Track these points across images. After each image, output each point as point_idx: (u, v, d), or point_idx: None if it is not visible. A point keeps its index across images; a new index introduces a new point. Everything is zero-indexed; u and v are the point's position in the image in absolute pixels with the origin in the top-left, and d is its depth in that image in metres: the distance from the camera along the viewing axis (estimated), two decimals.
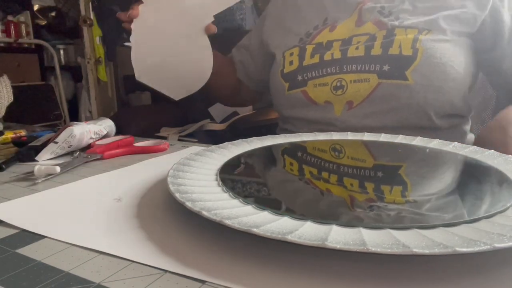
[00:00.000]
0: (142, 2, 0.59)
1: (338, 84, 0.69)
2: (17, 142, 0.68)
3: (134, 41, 0.62)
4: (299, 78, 0.73)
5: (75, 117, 2.80)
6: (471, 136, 0.77)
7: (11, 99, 0.81)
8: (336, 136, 0.61)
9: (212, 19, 0.64)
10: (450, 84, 0.66)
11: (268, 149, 0.55)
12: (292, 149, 0.56)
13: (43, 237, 0.31)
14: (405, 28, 0.67)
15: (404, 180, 0.43)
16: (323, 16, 0.77)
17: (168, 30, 0.62)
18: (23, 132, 0.76)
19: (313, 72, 0.72)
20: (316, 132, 0.63)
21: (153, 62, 0.64)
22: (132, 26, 0.60)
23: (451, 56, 0.65)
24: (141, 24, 0.59)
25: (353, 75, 0.68)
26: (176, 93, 0.70)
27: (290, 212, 0.30)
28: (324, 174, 0.46)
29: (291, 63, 0.75)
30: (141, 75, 0.66)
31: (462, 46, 0.68)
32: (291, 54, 0.76)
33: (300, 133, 0.62)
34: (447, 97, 0.66)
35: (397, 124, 0.67)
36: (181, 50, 0.62)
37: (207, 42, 0.65)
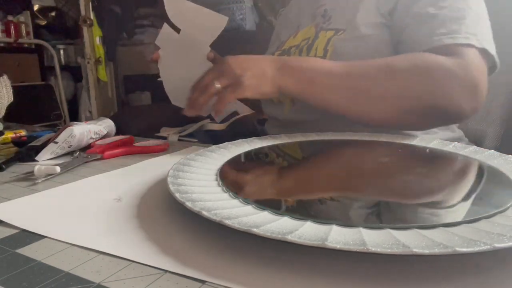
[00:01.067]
0: (159, 48, 0.75)
1: None
2: (17, 142, 0.68)
3: (162, 77, 0.79)
4: None
5: (75, 117, 2.80)
6: (459, 132, 0.76)
7: (11, 99, 0.81)
8: (336, 136, 0.61)
9: (209, 49, 0.77)
10: None
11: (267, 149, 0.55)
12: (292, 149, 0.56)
13: (43, 237, 0.31)
14: (327, 30, 0.70)
15: (402, 180, 0.43)
16: (297, 24, 0.82)
17: (184, 63, 0.77)
18: (23, 132, 0.76)
19: None
20: (317, 132, 0.63)
21: (180, 88, 0.75)
22: (159, 66, 0.77)
23: (363, 53, 0.64)
24: (164, 64, 0.76)
25: None
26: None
27: (291, 211, 0.30)
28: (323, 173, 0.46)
29: None
30: (175, 100, 0.81)
31: (379, 40, 0.66)
32: None
33: (300, 133, 0.62)
34: None
35: (331, 117, 0.66)
36: (196, 74, 0.71)
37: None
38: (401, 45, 0.64)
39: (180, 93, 0.74)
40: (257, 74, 0.58)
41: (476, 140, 0.80)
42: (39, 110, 2.56)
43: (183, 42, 0.75)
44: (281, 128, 0.76)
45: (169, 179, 0.37)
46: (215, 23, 0.73)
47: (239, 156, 0.50)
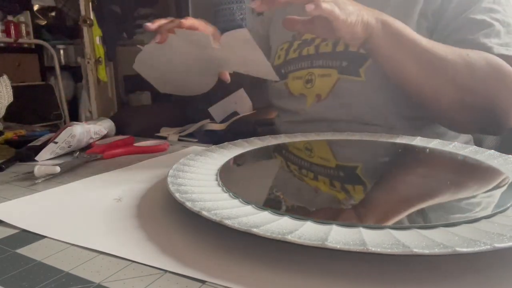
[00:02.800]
0: (174, 33, 0.60)
1: (309, 78, 0.74)
2: (10, 142, 0.67)
3: (152, 56, 0.64)
4: (283, 71, 0.79)
5: (75, 117, 2.79)
6: (464, 136, 0.76)
7: (11, 99, 0.81)
8: (336, 136, 0.61)
9: (231, 71, 0.69)
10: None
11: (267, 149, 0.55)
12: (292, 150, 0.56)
13: (43, 237, 0.31)
14: None
15: (402, 180, 0.43)
16: None
17: (192, 62, 0.65)
18: (23, 132, 0.76)
19: (292, 66, 0.77)
20: (317, 132, 0.63)
21: (168, 78, 0.70)
22: (156, 42, 0.60)
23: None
24: (167, 47, 0.60)
25: (320, 69, 0.72)
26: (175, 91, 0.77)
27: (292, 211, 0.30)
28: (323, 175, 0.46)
29: (279, 57, 0.81)
30: (163, 88, 0.72)
31: None
32: (281, 49, 0.81)
33: (300, 133, 0.63)
34: (403, 98, 0.65)
35: (351, 119, 0.69)
36: (190, 77, 0.67)
37: (214, 80, 0.71)
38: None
39: (168, 82, 0.70)
40: (357, 13, 0.55)
41: (476, 140, 0.80)
42: (39, 110, 2.56)
43: (204, 47, 0.61)
44: (297, 125, 0.74)
45: (169, 179, 0.37)
46: (262, 72, 0.62)
47: (239, 156, 0.50)
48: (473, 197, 0.36)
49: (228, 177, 0.40)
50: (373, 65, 0.66)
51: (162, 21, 0.61)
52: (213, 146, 0.52)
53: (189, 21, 0.62)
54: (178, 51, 0.62)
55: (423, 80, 0.58)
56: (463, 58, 0.57)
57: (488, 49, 0.59)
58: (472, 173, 0.45)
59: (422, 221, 0.31)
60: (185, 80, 0.71)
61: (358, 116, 0.69)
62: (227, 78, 0.70)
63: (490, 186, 0.39)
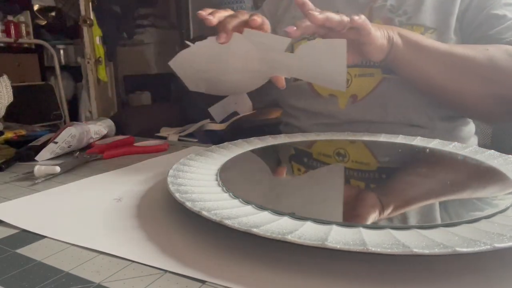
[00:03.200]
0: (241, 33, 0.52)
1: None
2: (10, 142, 0.67)
3: (199, 53, 0.56)
4: None
5: (75, 117, 2.79)
6: (475, 139, 0.77)
7: (11, 99, 0.81)
8: (336, 136, 0.61)
9: (288, 76, 0.62)
10: None
11: (268, 149, 0.55)
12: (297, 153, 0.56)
13: (43, 237, 0.31)
14: (412, 25, 0.67)
15: (402, 180, 0.43)
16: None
17: (246, 64, 0.58)
18: (23, 132, 0.75)
19: None
20: (316, 132, 0.63)
21: (204, 77, 0.63)
22: (211, 41, 0.52)
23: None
24: (221, 46, 0.52)
25: (357, 69, 0.69)
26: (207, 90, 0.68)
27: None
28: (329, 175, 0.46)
29: None
30: (194, 86, 0.64)
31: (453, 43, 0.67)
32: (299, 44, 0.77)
33: (300, 133, 0.63)
34: None
35: (397, 120, 0.68)
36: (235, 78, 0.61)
37: (262, 83, 0.64)
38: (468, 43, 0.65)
39: (201, 80, 0.63)
40: (378, 27, 0.56)
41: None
42: (39, 110, 2.56)
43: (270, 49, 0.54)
44: (330, 127, 0.71)
45: (169, 179, 0.37)
46: (332, 83, 0.55)
47: (239, 156, 0.50)
48: (473, 197, 0.36)
49: (228, 177, 0.40)
50: None
51: (221, 14, 0.52)
52: (213, 146, 0.52)
53: (258, 19, 0.52)
54: (236, 51, 0.55)
55: (448, 82, 0.59)
56: (483, 53, 0.58)
57: (510, 42, 0.60)
58: (471, 173, 0.45)
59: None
60: (228, 81, 0.64)
61: (402, 117, 0.68)
62: (283, 84, 0.62)
63: (490, 186, 0.39)
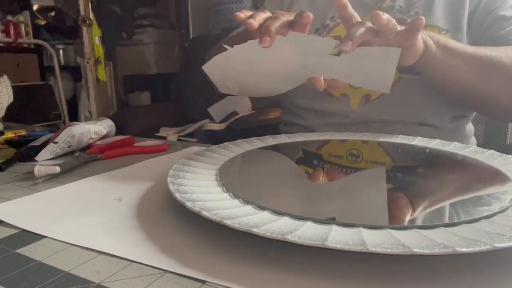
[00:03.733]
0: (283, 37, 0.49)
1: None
2: (10, 142, 0.67)
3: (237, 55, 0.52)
4: None
5: (74, 117, 2.79)
6: (474, 139, 0.77)
7: (11, 99, 0.80)
8: (337, 136, 0.61)
9: (329, 78, 0.57)
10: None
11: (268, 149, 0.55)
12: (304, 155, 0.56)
13: (43, 237, 0.31)
14: (426, 26, 0.67)
15: (403, 180, 0.43)
16: (326, 13, 0.76)
17: (279, 65, 0.55)
18: (23, 132, 0.75)
19: None
20: (316, 132, 0.63)
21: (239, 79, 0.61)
22: (251, 45, 0.49)
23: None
24: (262, 49, 0.48)
25: None
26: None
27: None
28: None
29: None
30: (224, 88, 0.62)
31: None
32: None
33: (300, 133, 0.63)
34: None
35: (412, 120, 0.68)
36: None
37: (298, 84, 0.61)
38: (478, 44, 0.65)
39: (234, 83, 0.61)
40: None
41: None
42: (38, 110, 2.55)
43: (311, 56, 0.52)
44: (343, 127, 0.70)
45: (169, 179, 0.37)
46: (376, 85, 0.54)
47: (239, 156, 0.50)
48: (473, 197, 0.36)
49: (228, 177, 0.40)
50: None
51: (262, 16, 0.49)
52: (213, 146, 0.52)
53: (311, 14, 0.49)
54: (277, 55, 0.52)
55: (475, 82, 0.60)
56: (505, 53, 0.58)
57: None
58: (471, 173, 0.45)
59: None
60: (263, 82, 0.62)
61: (415, 117, 0.68)
62: (322, 85, 0.58)
63: (490, 186, 0.39)
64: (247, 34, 0.54)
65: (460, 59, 0.58)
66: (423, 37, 0.54)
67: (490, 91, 0.61)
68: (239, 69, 0.56)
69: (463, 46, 0.59)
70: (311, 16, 0.48)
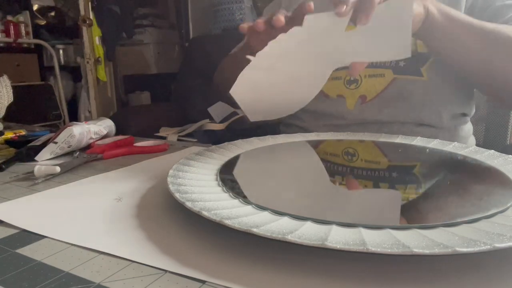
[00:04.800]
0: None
1: (352, 78, 0.69)
2: (10, 142, 0.67)
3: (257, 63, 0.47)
4: None
5: (74, 117, 2.79)
6: (473, 139, 0.77)
7: (11, 99, 0.81)
8: (336, 136, 0.61)
9: (347, 64, 0.55)
10: (464, 82, 0.66)
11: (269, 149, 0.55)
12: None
13: (43, 237, 0.31)
14: None
15: (402, 180, 0.43)
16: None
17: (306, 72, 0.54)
18: (23, 132, 0.75)
19: None
20: (316, 132, 0.63)
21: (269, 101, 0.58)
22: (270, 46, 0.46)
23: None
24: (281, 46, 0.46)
25: (367, 69, 0.68)
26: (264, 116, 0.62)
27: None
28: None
29: None
30: (254, 114, 0.58)
31: None
32: None
33: (300, 133, 0.63)
34: (461, 95, 0.66)
35: (409, 120, 0.68)
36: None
37: (325, 78, 0.58)
38: None
39: (262, 104, 0.57)
40: None
41: None
42: (38, 110, 2.56)
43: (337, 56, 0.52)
44: (341, 128, 0.70)
45: (169, 179, 0.37)
46: (395, 53, 0.52)
47: (238, 156, 0.50)
48: (473, 197, 0.36)
49: (228, 177, 0.40)
50: (436, 63, 0.65)
51: (281, 19, 0.48)
52: (213, 146, 0.52)
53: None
54: (299, 51, 0.49)
55: (481, 55, 0.58)
56: (509, 29, 0.57)
57: None
58: (471, 173, 0.45)
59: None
60: (290, 93, 0.59)
61: (415, 116, 0.68)
62: (356, 73, 0.59)
63: (490, 186, 0.39)
64: (248, 48, 0.54)
65: (466, 29, 0.57)
66: (423, 2, 0.54)
67: (498, 66, 0.59)
68: (267, 81, 0.53)
69: (469, 17, 0.58)
70: (312, 4, 0.47)
